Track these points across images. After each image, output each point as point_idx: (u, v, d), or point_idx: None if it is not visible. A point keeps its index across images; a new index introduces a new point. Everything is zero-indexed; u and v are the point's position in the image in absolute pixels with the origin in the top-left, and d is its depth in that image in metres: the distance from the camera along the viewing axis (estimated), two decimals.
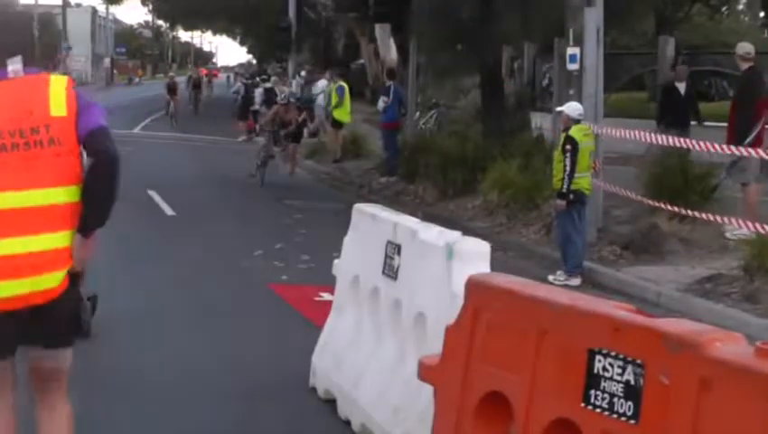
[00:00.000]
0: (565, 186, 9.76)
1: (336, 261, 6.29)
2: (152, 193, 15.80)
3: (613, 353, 3.25)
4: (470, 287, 3.97)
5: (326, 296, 7.76)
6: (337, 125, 21.94)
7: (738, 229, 10.49)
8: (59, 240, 3.80)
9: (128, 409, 5.72)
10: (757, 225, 9.19)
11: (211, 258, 10.66)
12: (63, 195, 3.78)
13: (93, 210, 3.86)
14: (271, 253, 10.89)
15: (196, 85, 42.87)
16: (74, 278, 3.93)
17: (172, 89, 36.21)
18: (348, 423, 5.48)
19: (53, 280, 3.81)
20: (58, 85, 3.84)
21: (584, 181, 9.97)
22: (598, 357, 3.30)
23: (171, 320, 7.90)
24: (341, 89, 22.11)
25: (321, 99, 24.95)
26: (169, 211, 14.37)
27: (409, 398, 4.78)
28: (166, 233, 12.51)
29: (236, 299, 8.72)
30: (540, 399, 3.50)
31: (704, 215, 10.14)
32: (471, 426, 3.83)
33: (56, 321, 3.91)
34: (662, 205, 10.70)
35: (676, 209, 10.53)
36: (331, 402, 5.80)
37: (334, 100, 22.15)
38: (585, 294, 3.84)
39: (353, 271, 5.94)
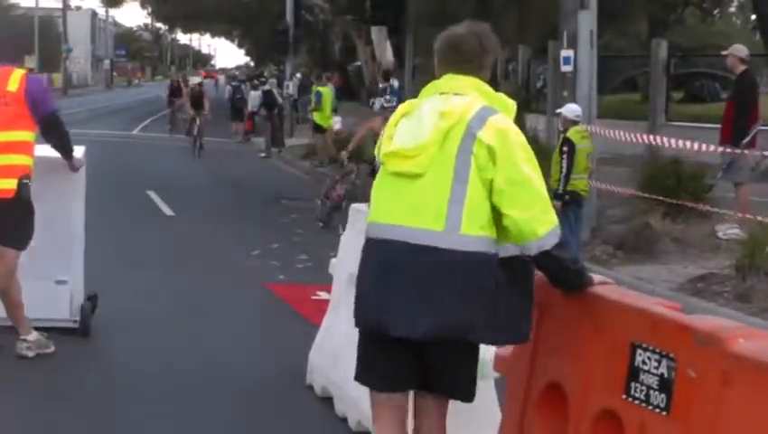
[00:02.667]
0: (561, 187, 9.84)
1: (333, 260, 6.31)
2: (151, 194, 15.86)
3: (651, 347, 3.34)
4: (537, 282, 4.02)
5: (323, 294, 7.79)
6: (320, 129, 22.19)
7: (730, 229, 10.59)
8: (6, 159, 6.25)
9: (127, 407, 5.76)
10: (750, 216, 9.32)
11: (210, 257, 10.72)
12: (12, 136, 6.26)
13: (56, 147, 6.62)
14: (269, 253, 10.97)
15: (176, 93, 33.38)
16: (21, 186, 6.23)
17: (198, 99, 25.50)
18: (345, 420, 5.52)
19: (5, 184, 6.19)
20: (16, 73, 6.37)
21: (581, 182, 10.05)
22: (639, 351, 3.38)
23: (169, 319, 7.94)
24: (317, 94, 22.43)
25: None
26: (168, 211, 14.43)
27: None
28: (165, 233, 12.58)
29: (233, 298, 8.78)
30: (591, 390, 3.60)
31: (699, 206, 10.23)
32: (534, 415, 3.91)
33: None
34: (656, 197, 10.81)
35: (674, 202, 10.63)
36: (328, 400, 5.83)
37: (313, 104, 22.53)
38: (630, 290, 3.96)
39: (350, 270, 5.94)
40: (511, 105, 3.82)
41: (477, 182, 3.54)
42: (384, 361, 3.72)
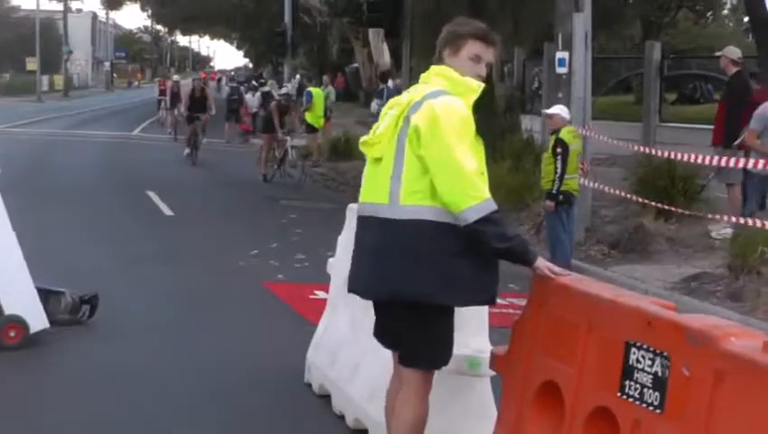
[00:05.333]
0: (555, 187, 9.90)
1: (330, 260, 6.35)
2: (150, 194, 15.92)
3: (645, 346, 3.39)
4: (534, 281, 4.11)
5: (321, 294, 7.85)
6: (311, 129, 22.36)
7: (723, 228, 10.69)
8: None
9: (127, 406, 5.79)
10: (741, 220, 9.42)
11: (208, 257, 10.77)
12: None
13: None
14: (267, 252, 11.03)
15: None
16: None
17: (286, 114, 19.16)
18: (342, 418, 5.56)
19: None
20: None
21: (572, 182, 10.10)
22: (633, 349, 3.44)
23: (168, 318, 7.98)
24: (308, 94, 22.67)
25: None
26: (167, 211, 14.48)
27: None
28: (165, 233, 12.62)
29: (232, 297, 8.84)
30: (585, 388, 3.65)
31: (690, 213, 10.31)
32: (529, 412, 3.97)
33: None
34: (650, 202, 10.91)
35: (666, 207, 10.72)
36: (325, 398, 5.88)
37: (306, 105, 22.75)
38: (624, 289, 4.04)
39: (347, 270, 6.07)
40: (475, 87, 4.08)
41: (412, 158, 3.95)
42: (377, 320, 4.26)
